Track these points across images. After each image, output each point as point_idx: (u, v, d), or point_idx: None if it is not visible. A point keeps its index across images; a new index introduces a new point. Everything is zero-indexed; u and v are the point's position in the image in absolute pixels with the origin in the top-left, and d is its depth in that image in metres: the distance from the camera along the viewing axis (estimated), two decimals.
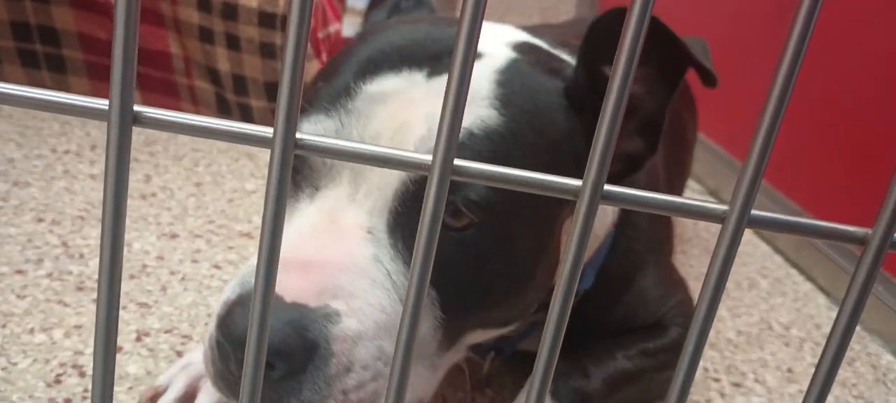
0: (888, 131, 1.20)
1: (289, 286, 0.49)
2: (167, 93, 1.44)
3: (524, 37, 0.69)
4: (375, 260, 0.52)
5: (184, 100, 1.44)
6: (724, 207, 0.34)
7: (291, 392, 0.48)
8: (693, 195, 1.64)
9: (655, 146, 0.62)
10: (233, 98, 1.42)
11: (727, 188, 1.62)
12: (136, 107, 0.33)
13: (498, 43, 0.64)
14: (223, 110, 1.44)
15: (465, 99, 0.31)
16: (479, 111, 0.55)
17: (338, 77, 0.58)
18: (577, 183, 0.34)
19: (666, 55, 0.58)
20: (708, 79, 0.60)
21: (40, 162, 1.17)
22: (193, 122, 0.33)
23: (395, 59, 0.57)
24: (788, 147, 1.34)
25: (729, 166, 1.62)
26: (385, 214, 0.54)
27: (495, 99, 0.56)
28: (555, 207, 0.60)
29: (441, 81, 0.57)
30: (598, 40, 0.58)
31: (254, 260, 0.53)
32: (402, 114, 0.55)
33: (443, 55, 0.58)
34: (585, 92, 0.59)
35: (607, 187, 0.34)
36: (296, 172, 0.57)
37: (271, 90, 1.39)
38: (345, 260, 0.51)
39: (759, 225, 0.35)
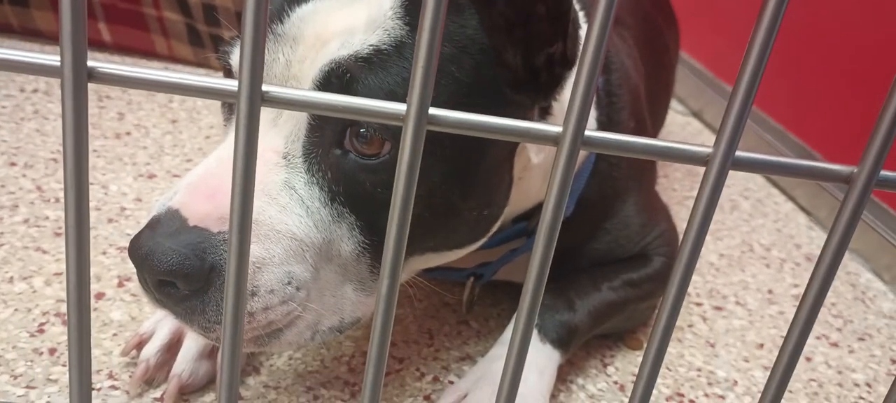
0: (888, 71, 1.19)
1: (193, 209, 0.51)
2: (135, 26, 1.39)
3: None
4: (287, 186, 0.53)
5: (153, 31, 1.40)
6: (708, 150, 0.34)
7: (196, 310, 0.50)
8: (676, 116, 1.63)
9: (575, 51, 0.59)
10: (204, 29, 1.37)
11: (711, 109, 1.61)
12: (91, 63, 0.31)
13: None
14: (195, 42, 1.39)
15: (439, 47, 0.30)
16: (386, 24, 0.53)
17: (275, 1, 0.57)
18: (556, 129, 0.33)
19: None
20: None
21: (9, 102, 1.13)
22: (152, 77, 0.31)
23: None
24: (791, 82, 1.32)
25: (713, 86, 1.61)
26: (301, 138, 0.53)
27: (399, 7, 0.54)
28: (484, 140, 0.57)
29: None
30: None
31: (184, 178, 0.54)
32: (334, 26, 0.54)
33: None
34: None
35: (588, 132, 0.33)
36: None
37: None
38: (258, 185, 0.51)
39: (744, 166, 0.34)
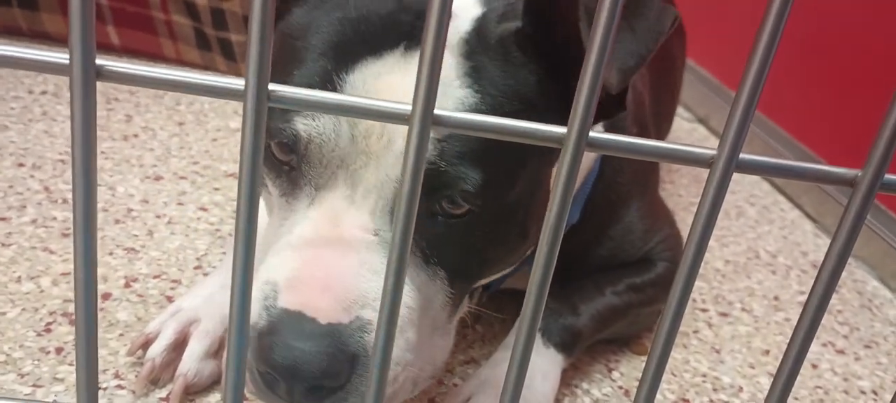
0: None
1: (319, 307, 0.50)
2: (144, 29, 1.40)
3: None
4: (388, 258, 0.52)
5: (161, 35, 1.40)
6: (711, 152, 0.34)
7: (339, 401, 0.51)
8: (682, 123, 1.63)
9: (623, 102, 0.59)
10: (212, 33, 1.38)
11: (717, 115, 1.61)
12: (100, 61, 0.31)
13: None
14: (202, 46, 1.40)
15: (443, 48, 0.30)
16: (456, 93, 0.53)
17: (312, 62, 0.54)
18: (561, 130, 0.33)
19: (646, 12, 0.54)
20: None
21: (17, 104, 1.14)
22: (160, 75, 0.32)
23: (370, 41, 0.54)
24: (797, 88, 1.32)
25: (719, 93, 1.61)
26: (387, 213, 0.53)
27: (466, 77, 0.54)
28: (546, 168, 0.60)
29: (410, 58, 0.54)
30: None
31: (263, 274, 0.53)
32: (395, 97, 0.53)
33: (416, 24, 0.55)
34: (535, 37, 0.56)
35: (592, 134, 0.33)
36: (292, 168, 0.55)
37: None
38: (361, 269, 0.52)
39: (748, 169, 0.34)
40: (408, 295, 0.53)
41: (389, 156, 0.52)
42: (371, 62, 0.54)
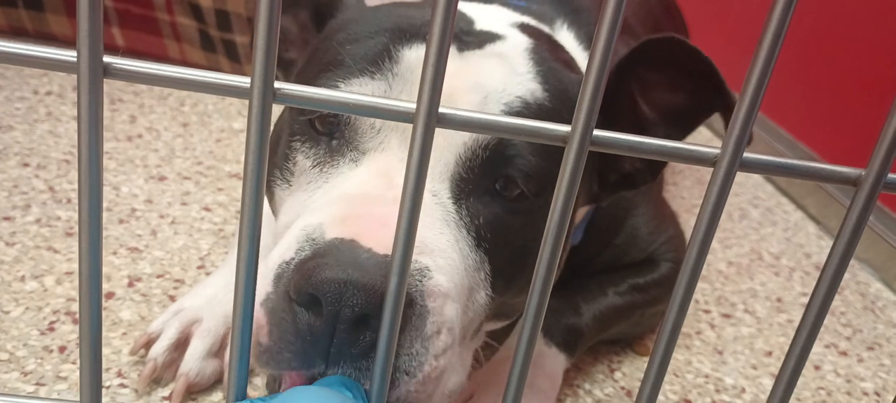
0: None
1: (377, 237, 0.44)
2: (149, 31, 1.40)
3: (518, 17, 0.69)
4: (444, 221, 0.50)
5: (166, 36, 1.41)
6: (715, 151, 0.34)
7: None
8: None
9: (657, 173, 0.62)
10: (216, 34, 1.38)
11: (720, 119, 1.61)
12: (107, 58, 0.31)
13: (505, 25, 0.64)
14: (207, 47, 1.41)
15: (448, 46, 0.30)
16: (527, 83, 0.55)
17: (369, 40, 0.55)
18: (565, 129, 0.33)
19: (699, 92, 0.57)
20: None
21: (22, 104, 1.14)
22: (166, 73, 0.32)
23: (423, 34, 0.55)
24: (800, 90, 1.32)
25: None
26: (446, 180, 0.51)
27: (537, 74, 0.56)
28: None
29: (471, 56, 0.56)
30: (637, 60, 0.57)
31: (300, 222, 0.48)
32: (467, 79, 0.54)
33: (462, 34, 0.59)
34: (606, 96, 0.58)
35: (597, 132, 0.33)
36: (331, 136, 0.54)
37: None
38: (423, 218, 0.43)
39: (752, 168, 0.34)
40: (460, 264, 0.49)
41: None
42: (424, 48, 0.55)
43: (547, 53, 0.60)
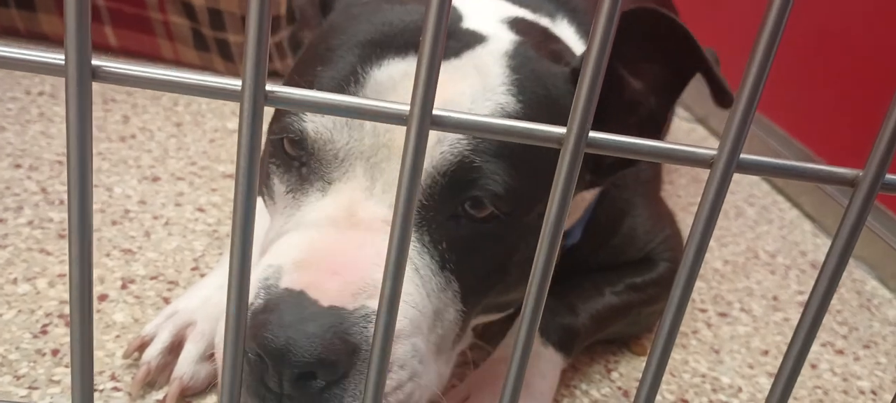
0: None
1: (324, 288, 0.46)
2: (141, 30, 1.39)
3: (512, 10, 0.68)
4: None
5: (159, 35, 1.40)
6: (712, 152, 0.33)
7: (333, 400, 0.46)
8: (681, 123, 1.63)
9: (658, 131, 0.61)
10: (209, 33, 1.37)
11: (716, 115, 1.61)
12: (95, 61, 0.31)
13: (494, 21, 0.63)
14: (200, 46, 1.40)
15: (443, 45, 0.30)
16: (498, 98, 0.54)
17: (339, 60, 0.55)
18: (560, 130, 0.32)
19: (678, 58, 0.57)
20: (722, 98, 0.57)
21: (14, 104, 1.14)
22: (156, 76, 0.31)
23: (399, 43, 0.55)
24: (796, 88, 1.32)
25: None
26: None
27: (511, 85, 0.55)
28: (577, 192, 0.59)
29: (447, 67, 0.55)
30: (618, 35, 0.56)
31: (266, 259, 0.51)
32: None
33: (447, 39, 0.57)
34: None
35: (592, 134, 0.33)
36: (301, 164, 0.55)
37: None
38: (377, 259, 0.48)
39: (749, 169, 0.34)
40: (419, 298, 0.51)
41: (432, 152, 0.51)
42: (396, 62, 0.54)
43: (532, 52, 0.59)
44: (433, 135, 0.51)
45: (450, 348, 0.56)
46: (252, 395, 0.47)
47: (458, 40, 0.58)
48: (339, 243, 0.49)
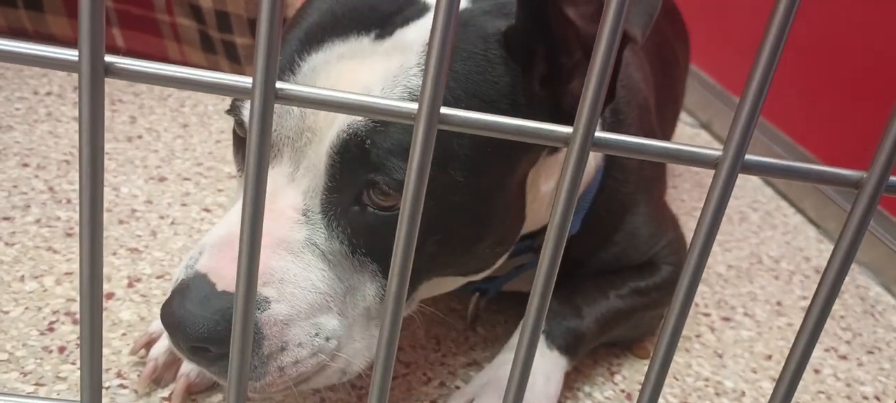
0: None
1: (222, 274, 0.51)
2: (149, 31, 1.40)
3: None
4: (309, 242, 0.53)
5: (166, 37, 1.41)
6: (717, 153, 0.34)
7: (224, 369, 0.51)
8: (685, 128, 1.63)
9: (613, 91, 0.59)
10: (217, 35, 1.38)
11: (720, 120, 1.61)
12: (108, 58, 0.31)
13: None
14: (207, 48, 1.40)
15: (452, 44, 0.30)
16: (407, 81, 0.52)
17: (284, 49, 0.56)
18: (567, 130, 0.33)
19: None
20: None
21: (22, 104, 1.14)
22: (168, 73, 0.32)
23: (343, 24, 0.55)
24: (799, 93, 1.32)
25: (722, 98, 1.61)
26: (319, 193, 0.53)
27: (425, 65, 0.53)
28: (503, 169, 0.57)
29: (390, 42, 0.54)
30: None
31: (205, 238, 0.54)
32: (349, 80, 0.53)
33: (394, 15, 0.56)
34: (526, 37, 0.55)
35: (598, 134, 0.33)
36: (245, 148, 0.56)
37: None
38: (277, 246, 0.52)
39: (753, 170, 0.34)
40: (320, 280, 0.53)
41: (332, 133, 0.52)
42: (336, 44, 0.55)
43: (479, 19, 0.56)
44: (331, 116, 0.52)
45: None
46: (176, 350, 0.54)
47: (403, 16, 0.56)
48: None
